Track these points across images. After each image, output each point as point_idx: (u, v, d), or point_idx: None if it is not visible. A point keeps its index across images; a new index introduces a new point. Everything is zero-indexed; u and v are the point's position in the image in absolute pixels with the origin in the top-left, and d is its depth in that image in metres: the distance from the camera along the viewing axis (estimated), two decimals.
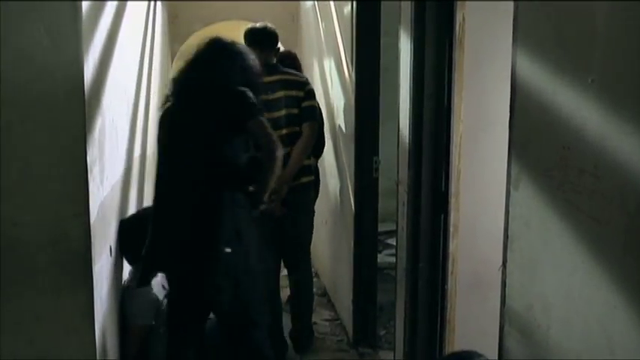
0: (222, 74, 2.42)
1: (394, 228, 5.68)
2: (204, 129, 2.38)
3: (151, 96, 4.27)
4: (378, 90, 3.33)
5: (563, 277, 1.31)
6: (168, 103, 2.54)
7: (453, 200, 2.41)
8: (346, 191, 3.66)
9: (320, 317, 4.02)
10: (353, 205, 3.42)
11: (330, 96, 4.15)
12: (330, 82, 4.18)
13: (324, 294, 4.45)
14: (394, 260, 5.03)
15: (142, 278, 2.59)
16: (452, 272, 2.45)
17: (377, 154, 3.35)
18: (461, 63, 2.35)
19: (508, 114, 2.47)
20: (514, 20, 1.50)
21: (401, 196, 2.56)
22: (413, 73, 2.43)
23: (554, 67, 1.33)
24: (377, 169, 3.35)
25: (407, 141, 2.49)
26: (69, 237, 1.98)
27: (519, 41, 1.48)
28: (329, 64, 4.23)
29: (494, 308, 2.60)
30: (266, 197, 2.51)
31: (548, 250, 1.38)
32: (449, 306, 2.45)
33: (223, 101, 2.39)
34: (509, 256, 1.56)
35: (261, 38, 3.28)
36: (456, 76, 2.36)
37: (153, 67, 4.39)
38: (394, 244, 5.60)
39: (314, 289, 3.96)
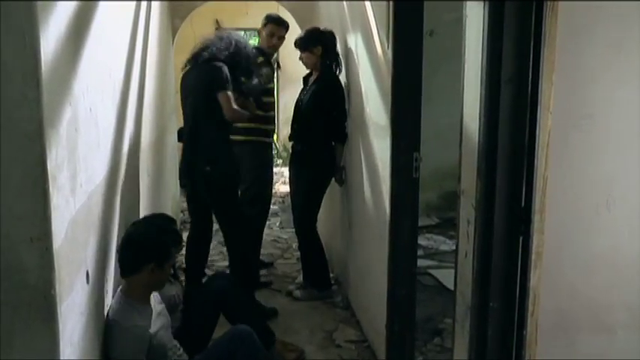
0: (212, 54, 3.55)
1: (423, 224, 5.20)
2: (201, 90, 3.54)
3: (147, 77, 3.70)
4: (421, 72, 2.73)
5: None
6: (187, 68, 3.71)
7: (536, 218, 1.82)
8: (378, 193, 3.06)
9: (344, 337, 3.45)
10: (388, 210, 2.82)
11: (359, 78, 3.53)
12: (357, 62, 3.56)
13: (347, 307, 3.87)
14: (424, 263, 4.52)
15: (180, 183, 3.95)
16: (532, 313, 1.87)
17: (418, 149, 2.75)
18: (553, 36, 1.76)
19: (612, 104, 1.93)
20: None
21: (465, 210, 1.96)
22: (486, 50, 1.82)
23: None
24: (417, 168, 2.76)
25: (475, 139, 1.89)
26: (24, 268, 1.55)
27: None
28: (355, 41, 3.62)
29: (583, 357, 2.04)
30: None
31: None
32: (527, 356, 1.88)
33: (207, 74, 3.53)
34: None
35: None
36: (545, 53, 1.76)
37: (149, 46, 3.81)
38: (421, 243, 5.10)
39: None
